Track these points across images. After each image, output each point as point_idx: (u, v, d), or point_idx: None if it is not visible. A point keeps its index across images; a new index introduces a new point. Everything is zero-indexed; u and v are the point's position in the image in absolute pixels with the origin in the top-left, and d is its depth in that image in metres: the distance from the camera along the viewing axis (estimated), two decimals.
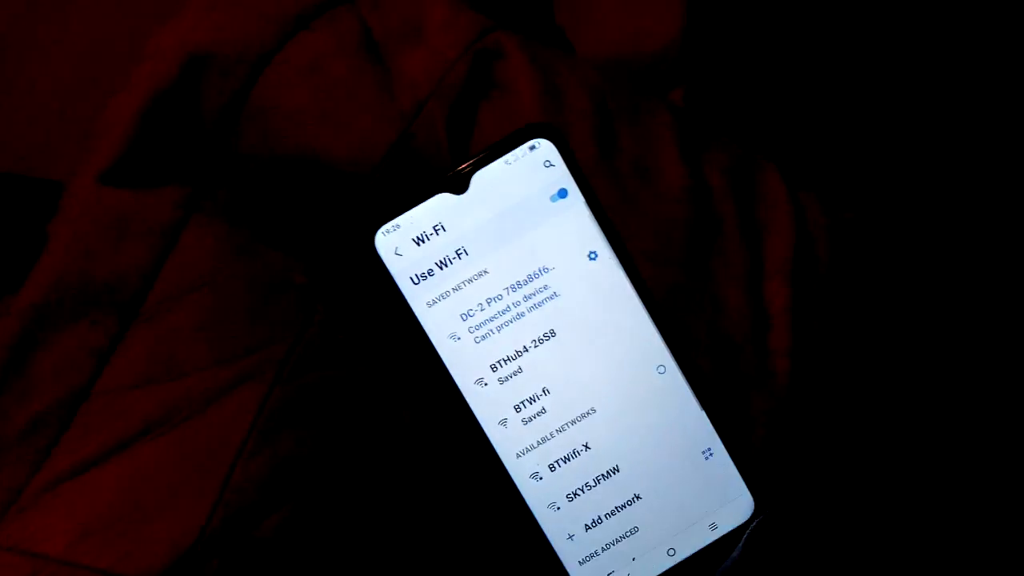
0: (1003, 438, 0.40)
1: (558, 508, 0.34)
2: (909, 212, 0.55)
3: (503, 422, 0.34)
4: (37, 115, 0.58)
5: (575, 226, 0.34)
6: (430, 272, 0.34)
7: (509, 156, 0.34)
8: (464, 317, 0.34)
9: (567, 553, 0.35)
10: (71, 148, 0.55)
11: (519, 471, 0.34)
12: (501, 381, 0.34)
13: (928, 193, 0.54)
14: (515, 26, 0.67)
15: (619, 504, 0.35)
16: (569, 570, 0.34)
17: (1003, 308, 0.44)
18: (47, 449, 0.30)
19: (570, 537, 0.35)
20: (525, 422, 0.34)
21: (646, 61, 0.85)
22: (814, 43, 0.93)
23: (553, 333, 0.34)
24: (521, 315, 0.34)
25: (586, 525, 0.35)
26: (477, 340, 0.34)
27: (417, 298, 0.34)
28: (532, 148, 0.34)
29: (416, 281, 0.34)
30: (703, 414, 0.34)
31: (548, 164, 0.34)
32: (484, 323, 0.34)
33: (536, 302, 0.34)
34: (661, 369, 0.34)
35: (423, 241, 0.34)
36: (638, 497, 0.35)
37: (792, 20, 0.93)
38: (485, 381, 0.34)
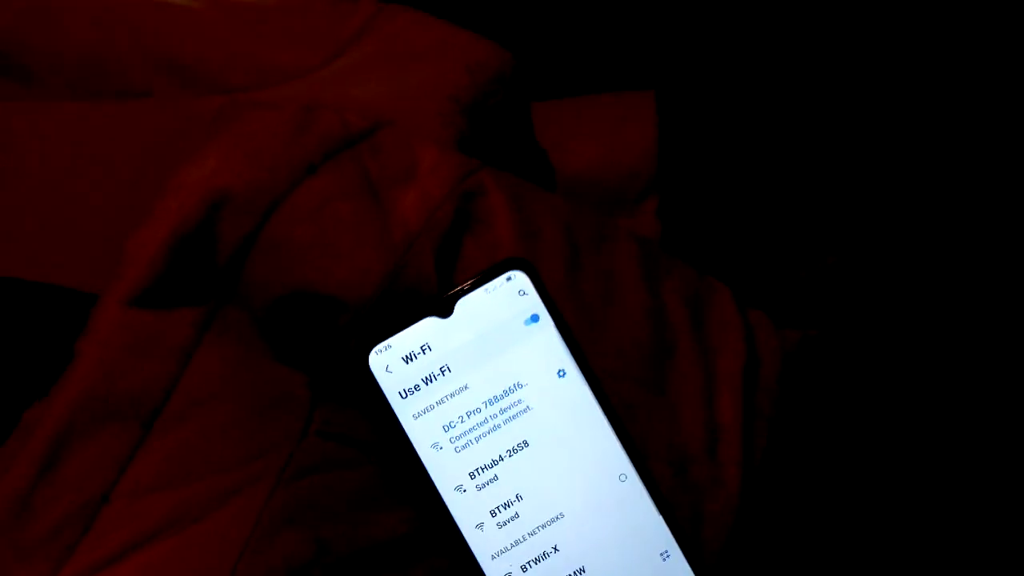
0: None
1: None
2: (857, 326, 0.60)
3: (480, 526, 0.38)
4: (68, 229, 0.62)
5: (546, 347, 0.39)
6: (416, 387, 0.38)
7: (489, 285, 0.39)
8: (446, 428, 0.38)
9: None
10: (94, 261, 0.59)
11: (494, 572, 0.38)
12: (479, 488, 0.38)
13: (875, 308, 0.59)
14: (500, 150, 0.73)
15: None
16: None
17: (941, 429, 0.48)
18: (71, 548, 0.33)
19: None
20: (500, 526, 0.38)
21: (622, 175, 0.91)
22: (780, 160, 1.00)
23: (526, 443, 0.38)
24: (497, 427, 0.38)
25: None
26: (457, 449, 0.38)
27: (404, 411, 0.38)
28: (509, 279, 0.39)
29: (404, 395, 0.38)
30: (660, 519, 0.38)
31: (522, 293, 0.39)
32: (464, 434, 0.38)
33: (511, 415, 0.38)
34: (623, 477, 0.38)
35: (411, 359, 0.38)
36: None
37: (759, 137, 1.00)
38: (464, 488, 0.38)
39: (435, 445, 0.38)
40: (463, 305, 0.38)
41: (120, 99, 0.78)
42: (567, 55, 1.10)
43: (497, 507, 0.38)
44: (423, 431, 0.38)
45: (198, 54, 0.78)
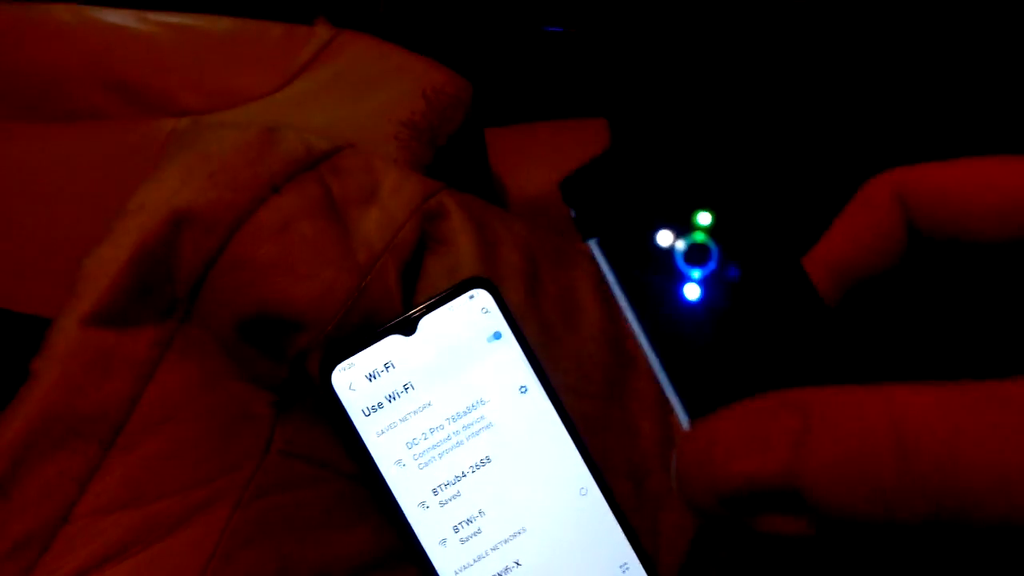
0: None
1: None
2: None
3: (443, 542, 0.38)
4: (17, 253, 0.61)
5: (508, 364, 0.40)
6: (380, 405, 0.38)
7: (452, 304, 0.39)
8: (409, 445, 0.38)
9: None
10: (47, 284, 0.58)
11: None
12: (442, 504, 0.38)
13: None
14: (454, 175, 0.74)
15: None
16: None
17: None
18: (28, 569, 0.32)
19: None
20: (463, 541, 0.38)
21: None
22: (732, 183, 1.02)
23: (488, 459, 0.39)
24: (460, 443, 0.39)
25: None
26: (421, 466, 0.38)
27: (367, 428, 0.38)
28: (471, 297, 0.39)
29: (367, 413, 0.38)
30: (620, 532, 0.39)
31: (485, 311, 0.39)
32: (427, 451, 0.38)
33: (474, 431, 0.39)
34: (583, 491, 0.39)
35: (375, 377, 0.38)
36: None
37: (710, 163, 1.03)
38: (427, 504, 0.38)
39: (398, 462, 0.38)
40: (426, 323, 0.39)
41: (73, 121, 0.77)
42: (521, 82, 1.12)
43: (460, 523, 0.38)
44: (386, 448, 0.38)
45: (152, 77, 0.78)
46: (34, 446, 0.34)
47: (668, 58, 1.07)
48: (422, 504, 0.38)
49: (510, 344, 0.39)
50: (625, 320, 0.19)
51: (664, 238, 0.18)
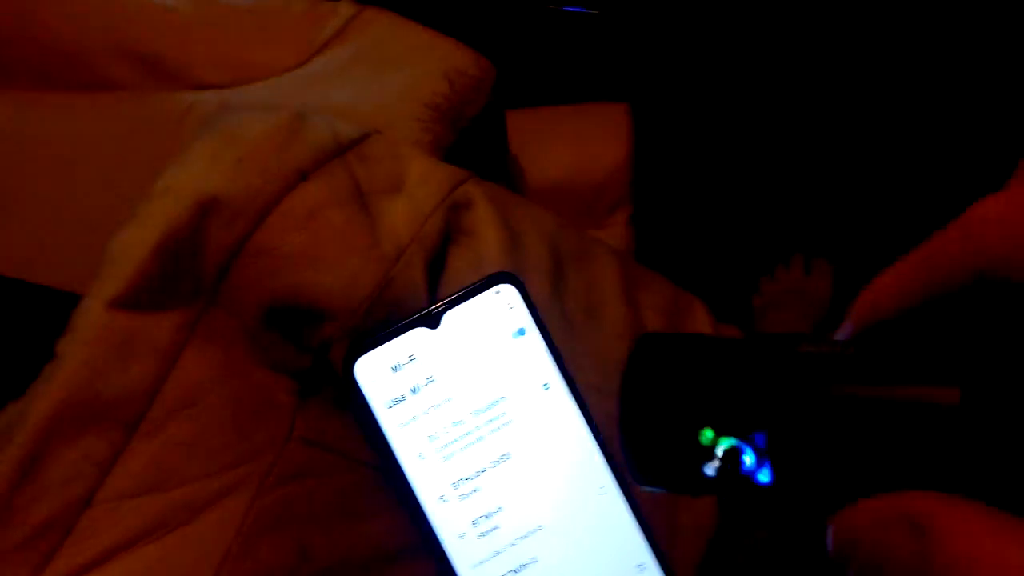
0: None
1: None
2: None
3: (461, 535, 0.38)
4: (36, 223, 0.61)
5: (532, 360, 0.39)
6: (403, 397, 0.38)
7: (477, 298, 0.39)
8: (431, 438, 0.38)
9: None
10: (66, 255, 0.58)
11: None
12: (461, 498, 0.38)
13: None
14: (475, 157, 0.73)
15: None
16: None
17: None
18: (51, 552, 0.33)
19: None
20: (481, 536, 0.38)
21: (595, 185, 0.92)
22: (754, 171, 1.02)
23: (509, 455, 0.39)
24: (481, 438, 0.39)
25: None
26: (441, 460, 0.38)
27: (390, 420, 0.38)
28: (497, 292, 0.39)
29: (390, 405, 0.38)
30: (638, 532, 0.39)
31: (510, 306, 0.39)
32: (448, 444, 0.38)
33: (495, 427, 0.39)
34: (602, 490, 0.39)
35: (398, 369, 0.38)
36: None
37: (733, 149, 1.02)
38: (447, 497, 0.38)
39: (419, 455, 0.38)
40: (451, 317, 0.39)
41: (93, 92, 0.77)
42: (544, 64, 1.11)
43: (479, 517, 0.38)
44: (408, 441, 0.38)
45: (173, 50, 0.77)
46: (58, 429, 0.34)
47: (690, 41, 1.05)
48: (442, 497, 0.38)
49: (534, 341, 0.39)
50: None
51: (711, 470, 0.20)
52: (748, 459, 0.19)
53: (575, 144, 0.96)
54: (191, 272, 0.38)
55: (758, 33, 1.00)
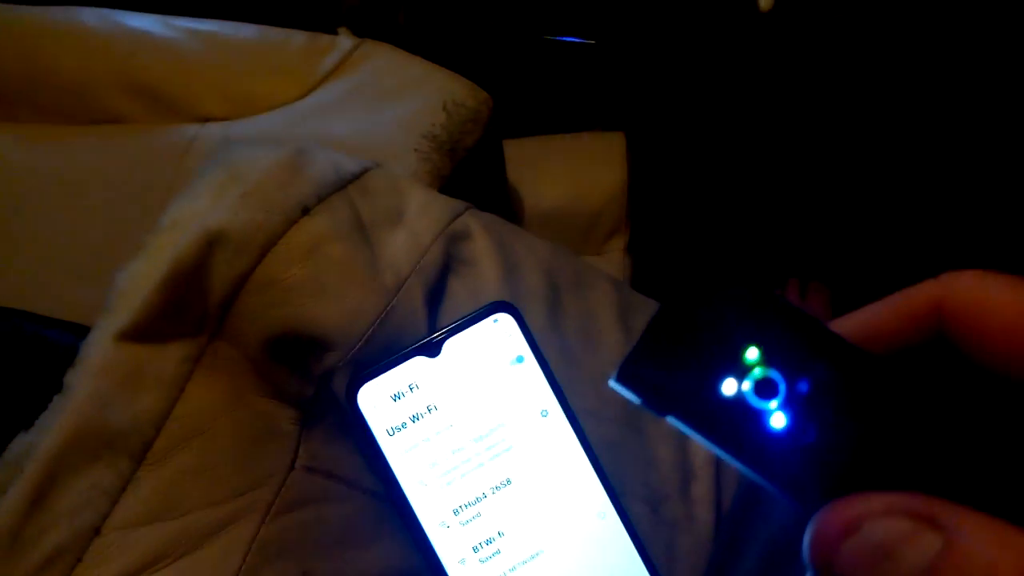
0: None
1: None
2: None
3: (463, 561, 0.39)
4: (41, 255, 0.62)
5: (530, 387, 0.40)
6: (404, 425, 0.39)
7: (476, 327, 0.40)
8: (432, 465, 0.39)
9: None
10: (70, 286, 0.59)
11: None
12: (463, 524, 0.39)
13: None
14: (473, 187, 0.74)
15: None
16: None
17: None
18: None
19: None
20: (482, 561, 0.39)
21: (591, 213, 0.94)
22: (750, 197, 1.03)
23: (509, 481, 0.40)
24: (481, 464, 0.39)
25: None
26: (443, 486, 0.39)
27: (392, 447, 0.39)
28: (495, 321, 0.40)
29: (391, 433, 0.39)
30: (637, 555, 0.40)
31: (508, 335, 0.40)
32: (449, 471, 0.39)
33: (495, 453, 0.40)
34: (601, 515, 0.40)
35: (399, 398, 0.39)
36: None
37: (728, 174, 1.03)
38: (448, 523, 0.39)
39: (421, 481, 0.39)
40: (451, 345, 0.40)
41: (97, 124, 0.78)
42: (540, 94, 1.13)
43: (480, 543, 0.39)
44: (410, 468, 0.39)
45: (176, 83, 0.79)
46: (68, 460, 0.35)
47: (685, 70, 1.07)
48: (443, 523, 0.39)
49: (532, 368, 0.40)
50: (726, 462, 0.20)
51: (729, 387, 0.20)
52: (775, 402, 0.19)
53: (572, 172, 0.98)
54: (197, 304, 0.39)
55: (753, 62, 1.02)
